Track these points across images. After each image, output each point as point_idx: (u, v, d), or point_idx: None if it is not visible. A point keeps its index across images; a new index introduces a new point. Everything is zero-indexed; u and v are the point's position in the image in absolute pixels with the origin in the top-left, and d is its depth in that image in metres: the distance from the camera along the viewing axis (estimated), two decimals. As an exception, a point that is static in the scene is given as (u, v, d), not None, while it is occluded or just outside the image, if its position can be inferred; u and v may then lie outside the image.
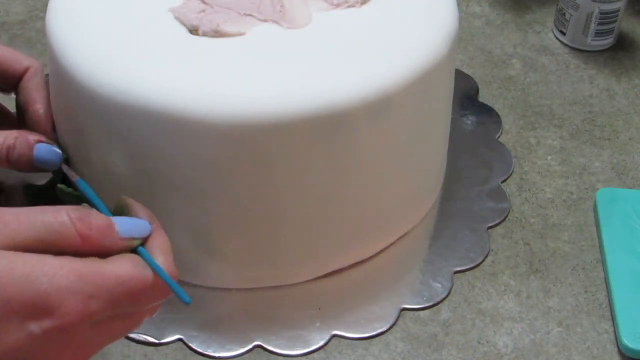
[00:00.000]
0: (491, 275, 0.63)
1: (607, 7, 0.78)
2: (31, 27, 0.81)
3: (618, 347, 0.59)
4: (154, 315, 0.46)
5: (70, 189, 0.60)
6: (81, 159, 0.60)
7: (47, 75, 0.61)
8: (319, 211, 0.58)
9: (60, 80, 0.58)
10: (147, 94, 0.53)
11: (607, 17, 0.79)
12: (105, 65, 0.55)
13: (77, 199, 0.59)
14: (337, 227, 0.59)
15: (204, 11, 0.58)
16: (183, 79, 0.53)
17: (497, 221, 0.66)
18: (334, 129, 0.54)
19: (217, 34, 0.56)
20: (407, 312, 0.61)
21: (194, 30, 0.57)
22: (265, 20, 0.58)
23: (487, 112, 0.75)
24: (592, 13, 0.78)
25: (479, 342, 0.59)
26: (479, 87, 0.77)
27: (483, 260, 0.64)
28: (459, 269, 0.63)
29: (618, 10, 0.79)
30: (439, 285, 0.62)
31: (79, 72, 0.55)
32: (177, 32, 0.57)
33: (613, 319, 0.60)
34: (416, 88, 0.56)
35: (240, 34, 0.57)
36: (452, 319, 0.61)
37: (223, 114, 0.52)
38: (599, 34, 0.80)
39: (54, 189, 0.61)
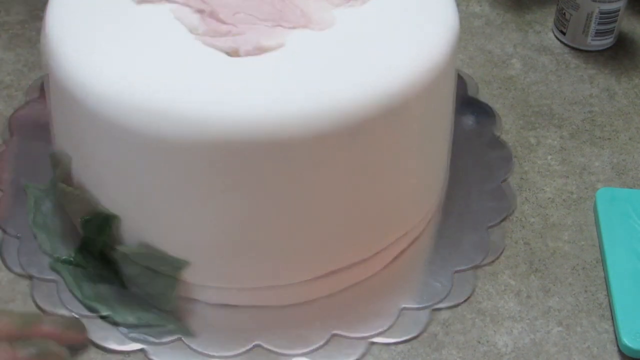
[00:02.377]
0: (491, 275, 0.63)
1: (607, 7, 0.78)
2: (32, 26, 0.82)
3: (618, 346, 0.59)
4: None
5: (70, 188, 0.60)
6: (82, 166, 0.60)
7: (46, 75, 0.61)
8: (323, 214, 0.57)
9: (58, 89, 0.57)
10: (175, 117, 0.52)
11: (607, 17, 0.79)
12: (145, 101, 0.53)
13: (78, 198, 0.59)
14: (342, 229, 0.59)
15: (230, 32, 0.57)
16: (248, 101, 0.53)
17: (497, 221, 0.66)
18: (349, 136, 0.53)
19: (260, 50, 0.55)
20: (407, 311, 0.61)
21: (233, 52, 0.56)
22: (295, 27, 0.57)
23: (486, 112, 0.75)
24: (592, 13, 0.78)
25: (479, 342, 0.59)
26: (479, 86, 0.77)
27: (483, 260, 0.64)
28: (459, 268, 0.63)
29: (618, 10, 0.79)
30: (439, 285, 0.62)
31: (79, 85, 0.54)
32: (215, 57, 0.55)
33: (613, 318, 0.60)
34: (427, 89, 0.56)
35: (280, 46, 0.56)
36: (452, 318, 0.61)
37: (242, 127, 0.52)
38: (599, 33, 0.80)
39: (55, 188, 0.61)
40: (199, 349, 0.58)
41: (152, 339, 0.58)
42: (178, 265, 0.57)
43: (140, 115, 0.52)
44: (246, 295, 0.60)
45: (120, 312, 0.59)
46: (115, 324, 0.59)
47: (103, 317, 0.59)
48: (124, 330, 0.59)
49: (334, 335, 0.59)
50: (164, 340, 0.58)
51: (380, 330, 0.59)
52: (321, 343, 0.59)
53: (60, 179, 0.60)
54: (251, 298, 0.61)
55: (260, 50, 0.55)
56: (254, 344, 0.58)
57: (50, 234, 0.62)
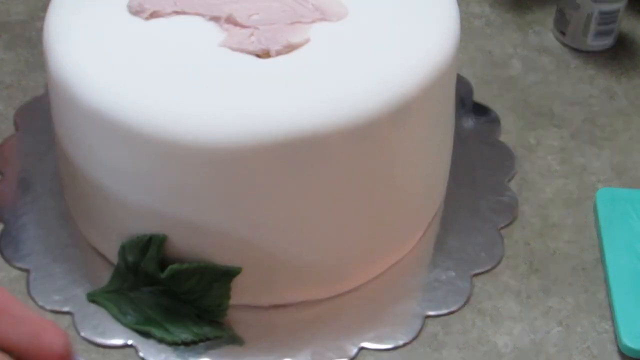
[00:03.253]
0: (491, 275, 0.63)
1: (607, 7, 0.78)
2: (32, 27, 0.82)
3: (618, 346, 0.59)
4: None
5: (185, 265, 0.57)
6: (83, 178, 0.59)
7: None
8: (343, 223, 0.57)
9: (63, 101, 0.57)
10: (179, 121, 0.52)
11: (607, 18, 0.79)
12: (119, 90, 0.53)
13: (196, 271, 0.57)
14: (360, 237, 0.59)
15: (253, 34, 0.56)
16: (289, 103, 0.53)
17: (507, 222, 0.66)
18: (359, 139, 0.54)
19: (290, 48, 0.55)
20: (408, 312, 0.61)
21: (264, 54, 0.56)
22: (313, 21, 0.57)
23: (484, 112, 0.75)
24: (592, 13, 0.78)
25: (479, 342, 0.59)
26: (477, 86, 0.77)
27: (499, 262, 0.64)
28: (477, 271, 0.63)
29: (618, 11, 0.79)
30: (459, 289, 0.62)
31: (90, 98, 0.54)
32: (248, 61, 0.55)
33: (613, 318, 0.60)
34: (432, 91, 0.56)
35: (307, 41, 0.56)
36: (452, 318, 0.61)
37: (245, 132, 0.52)
38: (599, 34, 0.80)
39: (136, 279, 0.59)
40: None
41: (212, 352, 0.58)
42: (233, 273, 0.57)
43: (170, 124, 0.52)
44: (268, 314, 0.60)
45: (173, 331, 0.58)
46: (169, 343, 0.58)
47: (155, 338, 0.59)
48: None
49: (334, 335, 0.59)
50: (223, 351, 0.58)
51: (376, 334, 0.59)
52: (319, 344, 0.59)
53: (157, 264, 0.58)
54: (273, 317, 0.60)
55: (290, 48, 0.55)
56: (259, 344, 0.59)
57: (164, 324, 0.59)
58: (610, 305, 0.61)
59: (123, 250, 0.58)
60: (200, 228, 0.56)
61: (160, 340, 0.58)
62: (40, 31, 0.77)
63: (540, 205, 0.68)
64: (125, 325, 0.59)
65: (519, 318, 0.61)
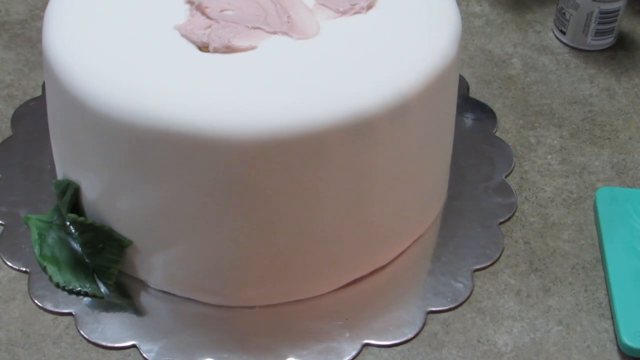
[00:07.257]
0: (491, 274, 0.63)
1: (607, 6, 0.78)
2: (32, 26, 0.82)
3: (618, 345, 0.59)
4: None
5: (82, 218, 0.59)
6: (84, 181, 0.60)
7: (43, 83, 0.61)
8: (342, 220, 0.57)
9: (64, 104, 0.57)
10: (164, 114, 0.52)
11: (607, 17, 0.79)
12: (115, 87, 0.53)
13: (89, 227, 0.59)
14: (359, 236, 0.59)
15: (210, 27, 0.57)
16: (199, 97, 0.53)
17: (507, 216, 0.66)
18: (359, 136, 0.54)
19: (229, 49, 0.55)
20: (408, 312, 0.61)
21: (203, 47, 0.56)
22: (275, 32, 0.57)
23: (480, 109, 0.75)
24: (592, 13, 0.78)
25: (479, 341, 0.59)
26: (476, 85, 0.77)
27: (500, 256, 0.64)
28: (478, 267, 0.63)
29: (618, 10, 0.79)
30: (461, 285, 0.62)
31: (87, 98, 0.54)
32: (185, 50, 0.56)
33: (613, 317, 0.60)
34: (433, 90, 0.56)
35: (252, 48, 0.56)
36: (452, 317, 0.61)
37: (248, 130, 0.52)
38: (599, 33, 0.80)
39: (63, 218, 0.61)
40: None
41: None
42: (124, 243, 0.59)
43: (124, 107, 0.53)
44: (272, 312, 0.61)
45: (64, 274, 0.60)
46: (55, 285, 0.61)
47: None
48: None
49: (336, 333, 0.59)
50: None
51: (410, 335, 0.59)
52: (318, 343, 0.59)
53: (68, 209, 0.60)
54: (278, 315, 0.61)
55: (229, 49, 0.56)
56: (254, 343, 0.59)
57: (60, 266, 0.61)
58: (610, 305, 0.61)
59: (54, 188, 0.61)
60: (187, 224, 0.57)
61: (50, 279, 0.60)
62: (40, 31, 0.77)
63: (540, 204, 0.68)
64: (34, 254, 0.61)
65: (519, 317, 0.61)
